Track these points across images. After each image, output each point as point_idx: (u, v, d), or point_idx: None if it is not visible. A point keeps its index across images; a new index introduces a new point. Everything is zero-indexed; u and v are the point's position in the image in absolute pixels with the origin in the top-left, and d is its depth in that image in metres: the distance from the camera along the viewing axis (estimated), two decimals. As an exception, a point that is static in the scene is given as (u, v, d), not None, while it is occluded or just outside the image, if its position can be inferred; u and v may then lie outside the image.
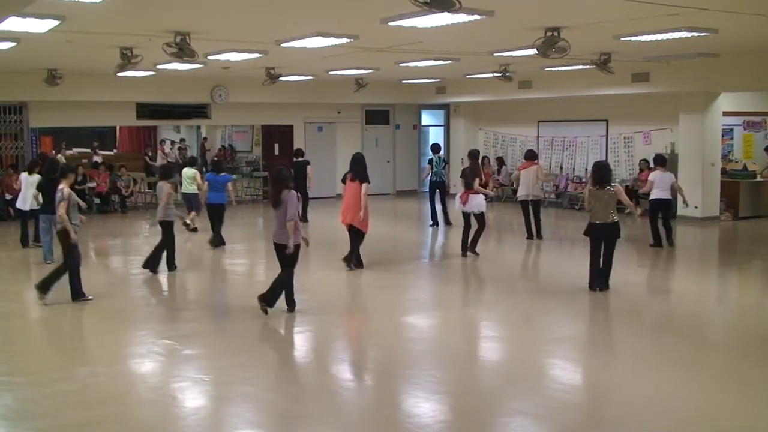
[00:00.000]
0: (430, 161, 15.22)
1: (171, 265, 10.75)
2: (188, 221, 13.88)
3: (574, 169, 18.37)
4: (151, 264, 10.59)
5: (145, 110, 18.52)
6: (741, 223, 15.40)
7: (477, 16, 7.90)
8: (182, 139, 24.68)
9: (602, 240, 9.10)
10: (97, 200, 17.64)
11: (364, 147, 20.71)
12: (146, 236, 15.01)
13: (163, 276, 10.84)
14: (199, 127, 25.17)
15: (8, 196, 16.21)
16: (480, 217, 11.62)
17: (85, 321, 8.47)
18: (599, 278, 9.18)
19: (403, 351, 7.34)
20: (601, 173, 9.12)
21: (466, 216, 11.70)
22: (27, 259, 12.43)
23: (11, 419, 5.56)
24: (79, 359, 7.00)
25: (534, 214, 13.31)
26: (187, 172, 14.10)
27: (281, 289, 8.28)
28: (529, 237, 13.37)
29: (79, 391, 6.11)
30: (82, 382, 6.32)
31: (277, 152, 20.56)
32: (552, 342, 7.52)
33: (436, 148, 15.45)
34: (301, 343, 7.90)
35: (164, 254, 10.69)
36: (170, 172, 11.46)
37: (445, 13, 7.12)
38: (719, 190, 15.48)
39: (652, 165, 15.94)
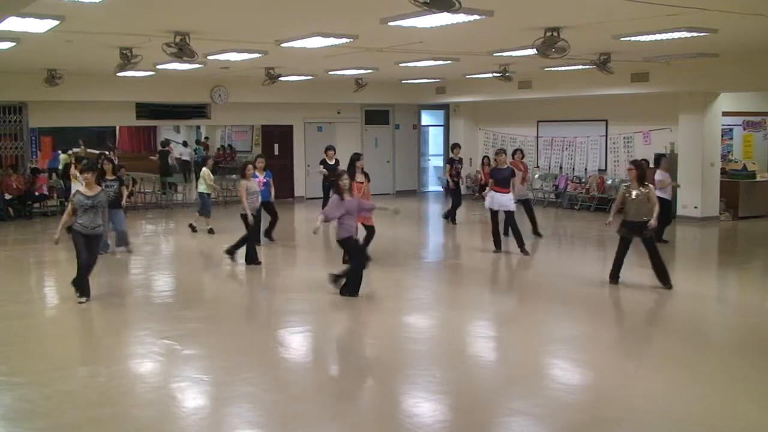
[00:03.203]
0: (451, 161, 15.58)
1: (249, 258, 11.15)
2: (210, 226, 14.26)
3: (573, 169, 18.38)
4: (249, 258, 11.17)
5: (144, 110, 18.52)
6: (741, 223, 15.40)
7: (477, 16, 7.90)
8: (206, 138, 24.79)
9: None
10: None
11: (364, 147, 20.72)
12: (147, 236, 15.02)
13: (165, 276, 10.86)
14: (198, 127, 25.19)
15: (8, 196, 16.23)
16: (509, 215, 11.98)
17: (85, 321, 8.47)
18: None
19: (403, 351, 7.35)
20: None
21: (494, 214, 12.05)
22: (27, 259, 12.44)
23: (11, 419, 5.56)
24: (79, 359, 7.00)
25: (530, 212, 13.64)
26: (207, 171, 14.16)
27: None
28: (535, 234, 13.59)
29: (79, 391, 6.11)
30: (82, 382, 6.32)
31: (276, 152, 20.56)
32: (552, 342, 7.52)
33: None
34: (301, 343, 7.91)
35: (247, 245, 11.16)
36: (247, 169, 11.47)
37: (445, 13, 7.12)
38: (719, 190, 15.49)
39: (652, 165, 15.99)
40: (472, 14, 7.77)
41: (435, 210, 19.11)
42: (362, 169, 11.09)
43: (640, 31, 9.68)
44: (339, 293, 9.07)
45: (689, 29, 9.35)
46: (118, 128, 25.36)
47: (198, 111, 19.53)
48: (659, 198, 12.28)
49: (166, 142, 23.77)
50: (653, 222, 9.36)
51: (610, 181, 17.42)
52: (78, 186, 10.91)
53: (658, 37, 9.87)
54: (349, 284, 9.06)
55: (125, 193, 12.24)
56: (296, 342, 7.91)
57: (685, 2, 7.59)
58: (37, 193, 16.85)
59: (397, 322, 8.57)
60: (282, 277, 10.93)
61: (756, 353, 7.07)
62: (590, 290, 9.97)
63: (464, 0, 6.49)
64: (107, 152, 22.64)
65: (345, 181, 8.97)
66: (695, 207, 15.11)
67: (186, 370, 6.66)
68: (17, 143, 17.15)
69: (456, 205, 15.59)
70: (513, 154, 14.03)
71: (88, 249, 8.68)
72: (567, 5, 8.13)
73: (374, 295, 9.47)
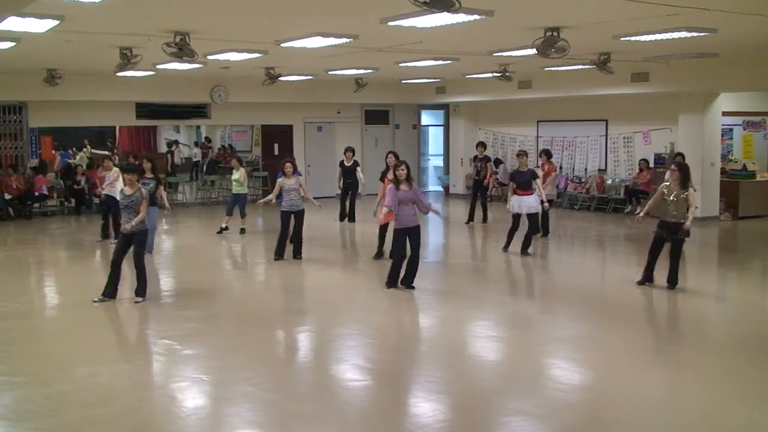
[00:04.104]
0: (475, 159, 15.83)
1: (276, 253, 11.47)
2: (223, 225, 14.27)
3: (573, 169, 18.37)
4: (294, 251, 11.61)
5: (144, 110, 18.51)
6: (740, 223, 15.41)
7: (477, 16, 7.90)
8: (207, 138, 24.83)
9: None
10: (96, 200, 17.64)
11: (364, 147, 20.73)
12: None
13: (165, 276, 10.85)
14: (198, 127, 25.22)
15: (8, 196, 16.23)
16: (533, 218, 11.89)
17: (85, 321, 8.46)
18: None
19: (404, 351, 7.35)
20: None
21: (517, 217, 11.91)
22: (27, 259, 12.44)
23: (11, 419, 5.56)
24: (79, 359, 6.99)
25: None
26: (236, 173, 14.10)
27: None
28: (544, 234, 13.69)
29: (79, 391, 6.11)
30: (82, 382, 6.32)
31: (276, 152, 20.57)
32: (552, 342, 7.52)
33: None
34: (301, 343, 7.91)
35: (292, 239, 11.52)
36: (286, 167, 11.52)
37: (445, 13, 7.12)
38: (719, 190, 15.49)
39: (652, 165, 16.07)
40: (472, 14, 7.76)
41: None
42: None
43: (640, 31, 9.68)
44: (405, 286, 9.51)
45: (689, 29, 9.34)
46: (117, 128, 25.38)
47: (198, 111, 19.53)
48: None
49: (172, 143, 23.87)
50: (688, 224, 9.24)
51: (609, 181, 17.43)
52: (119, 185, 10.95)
53: (658, 37, 9.87)
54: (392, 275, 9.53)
55: (162, 191, 12.15)
56: (296, 342, 7.92)
57: (685, 2, 7.59)
58: (36, 193, 16.84)
59: (397, 322, 8.58)
60: (283, 277, 10.93)
61: (756, 353, 7.07)
62: (590, 290, 9.99)
63: (464, 0, 6.49)
64: (114, 151, 22.77)
65: (401, 171, 9.23)
66: (695, 207, 15.09)
67: (186, 370, 6.66)
68: (17, 143, 17.15)
69: (473, 205, 15.65)
70: (539, 156, 14.36)
71: (130, 247, 8.89)
72: (567, 5, 8.13)
73: (375, 294, 9.48)
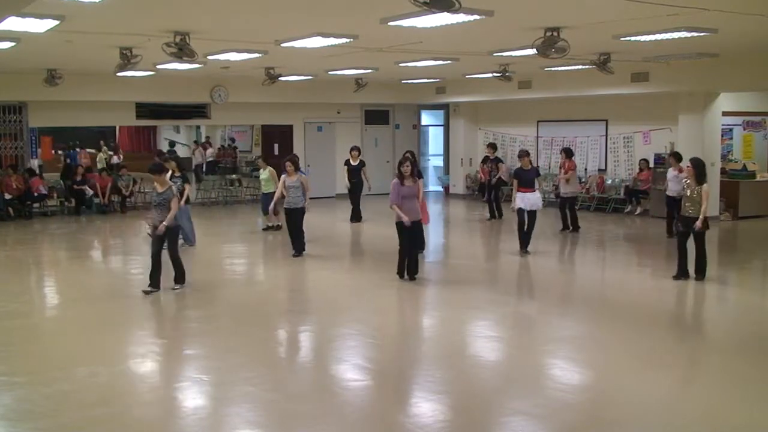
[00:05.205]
0: (486, 159, 16.30)
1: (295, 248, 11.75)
2: (269, 223, 14.46)
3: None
4: (293, 250, 11.78)
5: (144, 110, 18.52)
6: (740, 223, 15.40)
7: (477, 16, 7.90)
8: (233, 139, 24.90)
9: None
10: (96, 200, 17.66)
11: (364, 147, 20.72)
12: (145, 237, 15.01)
13: (165, 276, 10.85)
14: (198, 127, 25.25)
15: (8, 196, 16.23)
16: (534, 216, 11.95)
17: (85, 321, 8.46)
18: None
19: (403, 351, 7.35)
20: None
21: (522, 213, 11.90)
22: (27, 259, 12.44)
23: (11, 419, 5.56)
24: (79, 359, 7.00)
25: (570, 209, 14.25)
26: (263, 173, 14.27)
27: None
28: (566, 229, 14.10)
29: (79, 391, 6.11)
30: (82, 382, 6.32)
31: (276, 152, 20.57)
32: (552, 342, 7.52)
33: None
34: (302, 343, 7.91)
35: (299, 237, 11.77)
36: (287, 166, 11.70)
37: (445, 13, 7.12)
38: (719, 190, 15.48)
39: (652, 165, 16.05)
40: (472, 14, 7.76)
41: (435, 210, 19.11)
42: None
43: (640, 31, 9.68)
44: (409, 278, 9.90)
45: (689, 29, 9.35)
46: (117, 128, 25.43)
47: (198, 111, 19.54)
48: (669, 197, 12.57)
49: (173, 143, 23.98)
50: (698, 224, 9.74)
51: (609, 181, 17.42)
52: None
53: (658, 37, 9.87)
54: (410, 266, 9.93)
55: (187, 189, 12.30)
56: (296, 342, 7.92)
57: (685, 2, 7.59)
58: (36, 194, 16.83)
59: (398, 322, 8.58)
60: (284, 276, 10.93)
61: (756, 353, 7.07)
62: (591, 289, 9.98)
63: (464, 0, 6.49)
64: (113, 151, 22.85)
65: (405, 168, 9.72)
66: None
67: (186, 370, 6.67)
68: (17, 143, 17.16)
69: (494, 201, 16.06)
70: (560, 153, 14.82)
71: (161, 242, 9.31)
72: (567, 5, 8.13)
73: (375, 294, 9.48)
